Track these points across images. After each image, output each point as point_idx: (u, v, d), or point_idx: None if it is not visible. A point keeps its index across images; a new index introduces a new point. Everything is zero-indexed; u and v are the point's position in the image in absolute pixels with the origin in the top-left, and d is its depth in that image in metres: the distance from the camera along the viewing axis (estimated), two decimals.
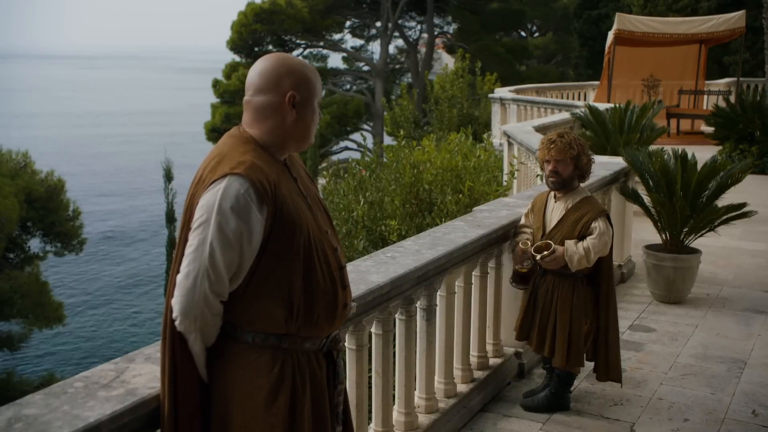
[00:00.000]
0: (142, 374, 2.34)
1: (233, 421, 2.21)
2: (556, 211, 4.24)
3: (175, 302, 2.16)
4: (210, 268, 2.12)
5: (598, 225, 4.10)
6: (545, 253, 4.06)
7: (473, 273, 4.42)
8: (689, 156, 6.21)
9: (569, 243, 4.08)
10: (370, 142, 30.93)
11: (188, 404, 2.20)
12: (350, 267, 3.57)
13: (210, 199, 2.12)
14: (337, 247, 2.37)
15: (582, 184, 4.31)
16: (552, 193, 4.31)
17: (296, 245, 2.19)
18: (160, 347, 2.25)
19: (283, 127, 2.28)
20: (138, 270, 30.14)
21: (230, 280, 2.17)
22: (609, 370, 4.27)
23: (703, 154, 6.63)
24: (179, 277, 2.16)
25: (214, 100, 34.32)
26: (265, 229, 2.15)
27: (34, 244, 21.06)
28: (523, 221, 4.50)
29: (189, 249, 2.15)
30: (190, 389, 2.21)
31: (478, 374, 4.47)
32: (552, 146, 4.13)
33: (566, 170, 4.14)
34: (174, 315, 2.17)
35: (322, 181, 11.23)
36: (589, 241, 4.07)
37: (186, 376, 2.20)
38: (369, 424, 3.65)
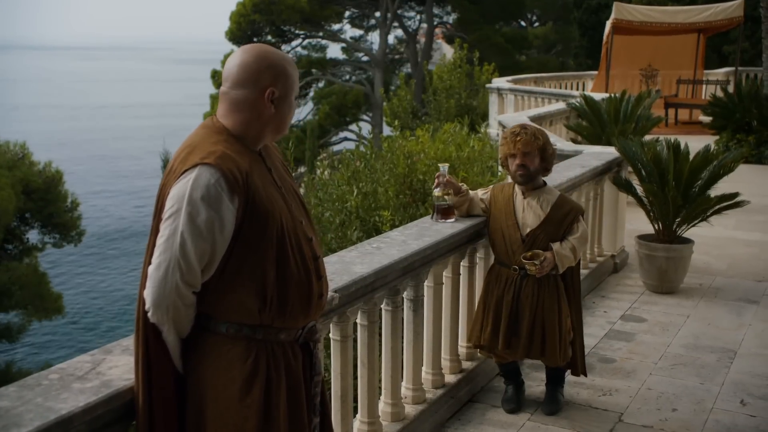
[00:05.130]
0: (119, 366, 2.33)
1: (208, 413, 2.21)
2: (531, 209, 4.07)
3: (147, 294, 2.15)
4: (181, 259, 2.11)
5: (580, 224, 4.08)
6: (542, 259, 3.92)
7: (461, 264, 4.40)
8: (685, 146, 6.19)
9: (557, 246, 3.99)
10: (365, 131, 30.87)
11: (163, 396, 2.20)
12: (335, 258, 3.57)
13: (180, 189, 2.11)
14: (312, 237, 2.36)
15: (546, 180, 4.20)
16: (517, 189, 4.14)
17: (269, 234, 2.19)
18: (133, 339, 2.24)
19: (260, 121, 2.27)
20: (137, 260, 30.15)
21: (203, 271, 2.17)
22: (581, 362, 4.23)
23: (700, 143, 6.60)
24: (150, 269, 2.15)
25: (213, 90, 34.24)
26: (236, 219, 2.14)
27: (33, 236, 21.07)
28: (476, 195, 4.28)
29: (160, 240, 2.14)
30: (164, 381, 2.20)
31: (467, 365, 4.46)
32: (518, 138, 3.99)
33: (533, 163, 4.01)
34: (146, 307, 2.16)
35: (318, 172, 11.19)
36: (573, 241, 4.02)
37: (160, 368, 2.19)
38: (355, 415, 3.64)
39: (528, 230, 4.04)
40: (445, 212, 4.24)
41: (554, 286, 4.05)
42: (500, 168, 9.05)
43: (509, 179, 4.27)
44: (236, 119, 2.26)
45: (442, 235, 4.00)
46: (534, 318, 4.02)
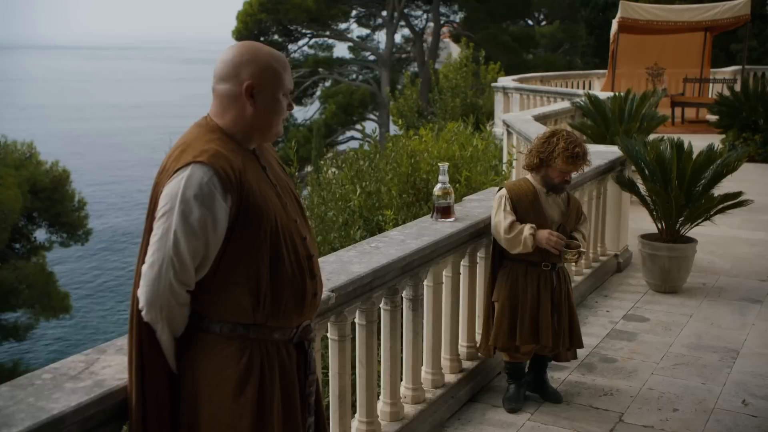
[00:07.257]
0: (112, 365, 2.33)
1: (201, 412, 2.20)
2: (555, 205, 4.22)
3: (141, 293, 2.15)
4: (174, 257, 2.11)
5: (584, 214, 4.46)
6: (582, 248, 4.15)
7: (461, 263, 4.39)
8: (689, 144, 6.16)
9: (579, 236, 4.24)
10: (369, 130, 30.85)
11: (156, 395, 2.19)
12: (333, 257, 3.56)
13: (173, 187, 2.11)
14: (306, 236, 2.35)
15: None
16: (537, 186, 4.18)
17: (263, 233, 2.18)
18: (127, 339, 2.24)
19: (244, 118, 2.25)
20: None
21: (197, 269, 2.16)
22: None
23: (706, 142, 6.56)
24: (144, 267, 2.15)
25: None
26: (230, 217, 2.13)
27: (40, 235, 21.15)
28: (512, 218, 4.10)
29: (153, 239, 2.14)
30: (158, 380, 2.20)
31: (467, 364, 4.45)
32: (585, 164, 4.12)
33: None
34: (140, 305, 2.16)
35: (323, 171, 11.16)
36: (584, 231, 4.34)
37: (154, 367, 2.19)
38: (353, 415, 3.64)
39: (554, 226, 4.18)
40: (444, 211, 4.25)
41: (568, 277, 4.35)
42: (504, 168, 9.03)
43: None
44: (225, 117, 2.26)
45: (442, 234, 4.00)
46: (561, 307, 4.18)
